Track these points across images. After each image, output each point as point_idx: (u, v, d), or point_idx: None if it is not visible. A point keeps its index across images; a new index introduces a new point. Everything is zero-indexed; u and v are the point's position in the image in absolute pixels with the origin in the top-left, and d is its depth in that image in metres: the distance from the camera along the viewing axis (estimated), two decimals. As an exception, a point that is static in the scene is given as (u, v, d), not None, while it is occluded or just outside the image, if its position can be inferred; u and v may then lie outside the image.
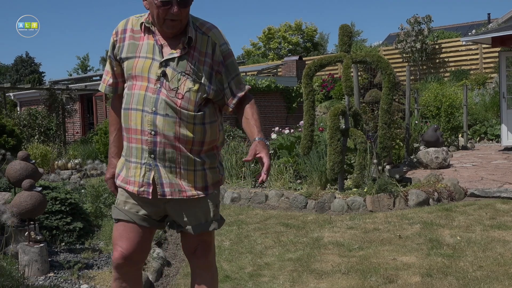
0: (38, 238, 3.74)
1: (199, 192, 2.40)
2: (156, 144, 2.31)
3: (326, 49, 41.40)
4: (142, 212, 2.41)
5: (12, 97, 21.26)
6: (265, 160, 2.25)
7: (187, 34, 2.32)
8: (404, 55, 20.90)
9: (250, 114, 2.44)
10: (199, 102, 2.34)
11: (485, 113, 14.68)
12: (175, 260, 4.64)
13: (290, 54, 33.45)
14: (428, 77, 19.72)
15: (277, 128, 10.07)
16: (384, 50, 22.11)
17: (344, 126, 6.72)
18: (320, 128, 8.60)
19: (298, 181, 7.54)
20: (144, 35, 2.37)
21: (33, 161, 4.33)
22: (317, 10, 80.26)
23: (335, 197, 6.42)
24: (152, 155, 2.32)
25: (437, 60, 20.66)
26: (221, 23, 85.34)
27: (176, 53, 2.31)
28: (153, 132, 2.30)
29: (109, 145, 2.56)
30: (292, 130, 9.65)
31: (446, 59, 20.47)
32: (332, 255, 4.50)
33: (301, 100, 18.76)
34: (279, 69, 22.21)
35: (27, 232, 3.73)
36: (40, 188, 3.83)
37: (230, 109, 2.46)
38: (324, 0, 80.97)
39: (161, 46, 2.33)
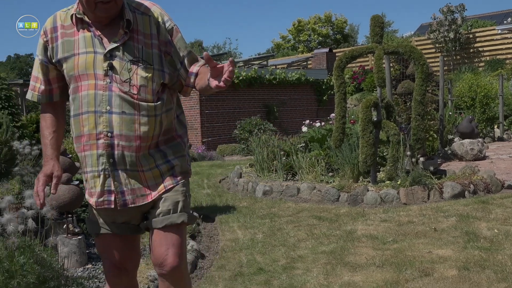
0: (76, 230, 3.84)
1: (168, 183, 2.16)
2: (114, 147, 2.06)
3: (356, 40, 41.04)
4: (119, 221, 2.19)
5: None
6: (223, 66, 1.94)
7: (124, 17, 2.07)
8: (437, 45, 20.59)
9: (203, 69, 2.14)
10: (156, 89, 2.11)
11: (523, 104, 14.35)
12: (208, 253, 4.69)
13: (320, 46, 33.31)
14: (462, 67, 19.37)
15: (307, 121, 10.02)
16: (416, 41, 21.80)
17: (376, 118, 6.67)
18: (352, 121, 8.55)
19: (330, 174, 7.52)
20: (78, 29, 2.10)
21: (70, 155, 4.44)
22: (347, 1, 79.48)
23: (368, 190, 6.39)
24: (111, 159, 2.07)
25: (471, 50, 20.27)
26: (250, 16, 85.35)
27: (119, 40, 2.06)
28: (109, 134, 2.05)
29: (45, 148, 2.21)
30: (323, 123, 9.59)
31: (480, 49, 20.07)
32: (366, 248, 4.48)
33: (332, 92, 18.72)
34: (309, 62, 22.16)
35: (65, 225, 3.83)
36: (77, 182, 3.92)
37: (191, 89, 2.23)
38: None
39: (100, 37, 2.07)
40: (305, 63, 22.33)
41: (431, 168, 6.77)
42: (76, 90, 2.10)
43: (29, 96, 2.26)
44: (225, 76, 1.88)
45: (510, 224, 4.90)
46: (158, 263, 2.14)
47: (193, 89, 2.23)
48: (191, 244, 4.64)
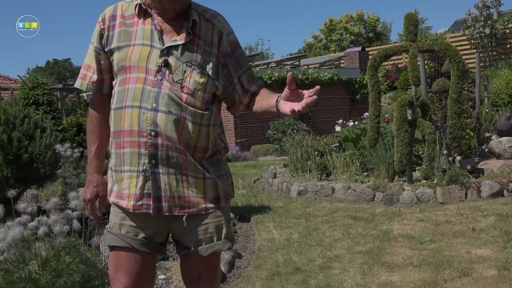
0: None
1: (210, 205, 2.03)
2: (157, 147, 1.94)
3: (389, 38, 40.65)
4: (142, 235, 2.03)
5: (85, 97, 22.31)
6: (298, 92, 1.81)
7: (190, 17, 1.99)
8: (472, 41, 20.14)
9: (267, 92, 2.07)
10: (207, 98, 2.00)
11: None
12: (245, 253, 4.76)
13: (352, 45, 33.10)
14: (498, 63, 18.92)
15: (341, 121, 10.03)
16: (451, 37, 21.41)
17: (411, 117, 6.63)
18: (386, 120, 8.51)
19: (365, 173, 7.52)
20: (139, 20, 2.02)
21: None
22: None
23: (403, 189, 6.36)
24: (153, 161, 1.94)
25: (508, 45, 19.76)
26: (282, 16, 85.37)
27: (180, 40, 1.97)
28: (153, 133, 1.93)
29: (89, 159, 2.15)
30: (356, 122, 9.59)
31: (518, 44, 19.56)
32: (403, 248, 4.47)
33: (365, 91, 18.61)
34: (341, 61, 22.07)
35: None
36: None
37: (243, 107, 2.13)
38: (386, -11, 79.21)
39: (161, 32, 1.99)
40: (338, 62, 22.25)
41: (468, 167, 6.67)
42: (123, 82, 1.99)
43: (77, 84, 2.14)
44: (306, 102, 1.72)
45: None
46: (194, 278, 2.09)
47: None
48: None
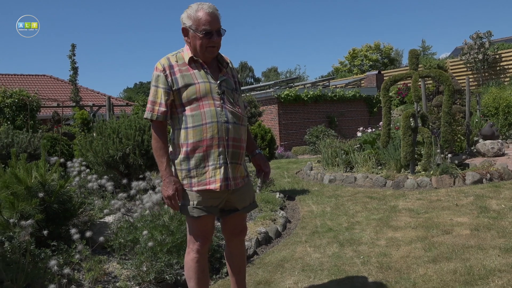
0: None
1: (245, 179, 2.43)
2: (229, 146, 2.27)
3: (401, 62, 40.01)
4: (215, 204, 2.34)
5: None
6: (267, 172, 2.53)
7: (224, 62, 2.37)
8: (468, 65, 20.02)
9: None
10: (244, 109, 2.42)
11: (541, 111, 13.80)
12: (293, 219, 5.21)
13: (370, 69, 32.93)
14: (489, 82, 18.74)
15: (361, 128, 10.18)
16: (451, 62, 21.27)
17: (413, 125, 6.86)
18: (396, 127, 8.65)
19: (379, 167, 7.65)
20: (192, 67, 2.28)
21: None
22: (393, 31, 77.27)
23: (407, 178, 6.60)
24: (227, 155, 2.28)
25: (498, 68, 19.54)
26: (314, 45, 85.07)
27: (224, 76, 2.34)
28: (227, 137, 2.26)
29: (164, 166, 2.27)
30: (373, 129, 9.72)
31: (505, 67, 19.32)
32: (405, 217, 4.85)
33: (381, 105, 18.70)
34: (362, 82, 22.14)
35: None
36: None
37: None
38: (398, 23, 77.75)
39: (210, 73, 2.30)
40: (359, 82, 22.33)
41: (456, 162, 6.92)
42: (197, 108, 2.24)
43: (148, 116, 2.31)
44: (263, 178, 2.58)
45: None
46: (238, 232, 2.52)
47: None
48: (281, 213, 5.21)
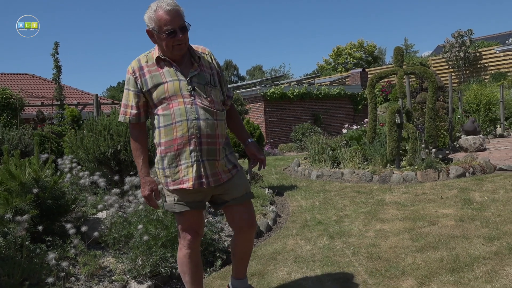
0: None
1: (233, 171, 2.37)
2: (201, 143, 2.22)
3: (384, 60, 40.53)
4: (197, 199, 2.33)
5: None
6: (263, 159, 2.44)
7: (196, 56, 2.29)
8: (449, 62, 20.43)
9: (234, 115, 2.49)
10: (221, 102, 2.34)
11: (520, 107, 14.20)
12: (283, 214, 5.29)
13: (355, 67, 33.22)
14: (470, 80, 19.15)
15: (346, 125, 10.29)
16: (433, 60, 21.65)
17: (399, 121, 6.98)
18: (381, 124, 8.80)
19: (365, 162, 7.75)
20: (161, 66, 2.25)
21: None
22: (376, 29, 78.14)
23: (393, 173, 6.73)
24: (200, 153, 2.22)
25: (478, 65, 19.99)
26: (299, 44, 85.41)
27: (195, 71, 2.26)
28: (198, 134, 2.21)
29: (140, 167, 2.30)
30: (358, 126, 9.85)
31: (486, 64, 19.77)
32: (392, 209, 4.96)
33: (365, 103, 19.01)
34: (346, 79, 22.36)
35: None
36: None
37: (227, 107, 2.46)
38: (381, 21, 78.65)
39: (180, 70, 2.25)
40: (344, 80, 22.57)
41: (440, 156, 7.10)
42: (167, 108, 2.21)
43: (121, 119, 2.34)
44: (258, 166, 2.50)
45: (496, 193, 5.27)
46: (244, 225, 2.42)
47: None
48: (271, 208, 5.29)
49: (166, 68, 2.24)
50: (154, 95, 2.22)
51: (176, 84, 2.21)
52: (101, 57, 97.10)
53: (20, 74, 23.43)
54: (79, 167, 4.54)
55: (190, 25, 2.19)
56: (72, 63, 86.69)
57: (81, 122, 7.51)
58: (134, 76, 2.25)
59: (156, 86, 2.22)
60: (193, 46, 2.34)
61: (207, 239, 3.69)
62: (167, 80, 2.22)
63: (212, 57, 2.37)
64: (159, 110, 2.23)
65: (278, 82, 19.37)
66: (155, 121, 2.27)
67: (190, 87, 2.22)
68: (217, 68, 2.37)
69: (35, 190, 3.21)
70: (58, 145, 5.76)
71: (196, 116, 2.20)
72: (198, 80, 2.25)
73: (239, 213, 2.41)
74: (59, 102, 15.48)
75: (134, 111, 2.29)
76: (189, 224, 2.38)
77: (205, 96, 2.24)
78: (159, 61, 2.25)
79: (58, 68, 17.91)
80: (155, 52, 2.28)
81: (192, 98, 2.21)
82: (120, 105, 2.63)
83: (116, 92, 45.62)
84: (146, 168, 2.30)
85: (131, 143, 2.36)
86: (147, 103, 2.29)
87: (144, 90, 2.24)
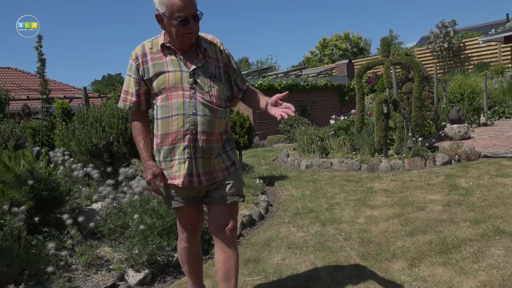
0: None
1: (231, 169, 2.26)
2: (196, 140, 2.12)
3: (369, 52, 40.73)
4: (192, 195, 2.26)
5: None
6: (290, 105, 2.07)
7: (202, 46, 2.16)
8: (434, 53, 20.67)
9: (253, 91, 2.31)
10: (224, 99, 2.20)
11: (503, 96, 14.48)
12: (274, 203, 5.37)
13: (341, 58, 33.41)
14: (455, 70, 19.43)
15: (334, 116, 10.40)
16: (418, 51, 21.88)
17: (386, 111, 7.09)
18: (368, 114, 8.92)
19: (354, 152, 7.87)
20: (165, 54, 2.14)
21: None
22: (361, 21, 78.47)
23: (381, 162, 6.85)
24: (193, 150, 2.12)
25: (462, 56, 20.26)
26: (285, 36, 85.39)
27: (200, 62, 2.14)
28: (194, 131, 2.11)
29: (141, 152, 2.23)
30: (345, 117, 9.92)
31: (469, 55, 20.05)
32: (381, 196, 5.09)
33: (352, 94, 19.13)
34: (333, 71, 22.43)
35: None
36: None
37: (238, 100, 2.35)
38: (366, 13, 79.00)
39: (184, 60, 2.13)
40: (330, 71, 22.64)
41: (427, 145, 7.25)
42: (165, 99, 2.11)
43: (121, 105, 2.25)
44: (288, 112, 2.03)
45: (481, 179, 5.43)
46: (220, 228, 2.24)
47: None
48: (263, 197, 5.38)
49: (169, 57, 2.13)
50: (155, 84, 2.13)
51: (178, 75, 2.10)
52: (86, 50, 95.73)
53: (2, 68, 23.02)
54: (71, 159, 4.55)
55: (202, 14, 2.08)
56: (56, 57, 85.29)
57: (72, 113, 7.47)
58: (137, 63, 2.16)
59: (157, 75, 2.12)
60: (202, 34, 2.21)
61: (202, 228, 3.74)
62: (169, 70, 2.11)
63: (222, 48, 2.24)
64: (158, 101, 2.14)
65: (265, 74, 19.37)
66: (154, 112, 2.20)
67: (191, 79, 2.10)
68: (226, 60, 2.24)
69: (30, 182, 3.22)
70: (48, 138, 5.73)
71: (194, 111, 2.10)
72: (203, 72, 2.13)
73: (222, 213, 2.25)
74: (45, 96, 15.27)
75: (134, 99, 2.21)
76: (186, 219, 2.36)
77: (206, 91, 2.13)
78: (164, 49, 2.14)
79: (42, 61, 17.62)
80: (161, 38, 2.16)
81: (193, 91, 2.10)
82: (114, 94, 2.60)
83: (101, 86, 45.13)
84: (147, 152, 2.22)
85: (132, 129, 2.29)
86: (148, 91, 2.21)
87: (145, 78, 2.15)
